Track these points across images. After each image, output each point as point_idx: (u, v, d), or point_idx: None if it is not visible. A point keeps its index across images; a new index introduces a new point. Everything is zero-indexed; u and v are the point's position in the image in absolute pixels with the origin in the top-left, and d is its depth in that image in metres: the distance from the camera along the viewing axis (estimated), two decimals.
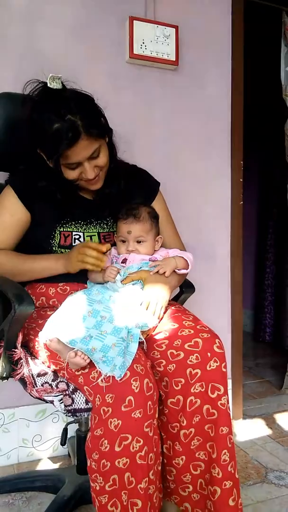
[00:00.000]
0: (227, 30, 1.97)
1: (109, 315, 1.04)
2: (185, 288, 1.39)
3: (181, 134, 1.90)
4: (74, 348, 0.97)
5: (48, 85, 1.13)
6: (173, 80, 1.87)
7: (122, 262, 1.20)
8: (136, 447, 0.91)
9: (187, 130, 1.91)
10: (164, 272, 1.17)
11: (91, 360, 0.98)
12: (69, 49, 1.69)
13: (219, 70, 1.96)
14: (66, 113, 1.09)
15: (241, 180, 2.02)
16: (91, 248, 1.10)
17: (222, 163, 1.99)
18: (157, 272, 1.17)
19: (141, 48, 1.75)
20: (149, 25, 1.76)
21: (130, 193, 1.29)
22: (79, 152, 1.12)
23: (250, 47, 2.25)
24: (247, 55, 2.05)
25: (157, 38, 1.77)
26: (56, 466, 1.63)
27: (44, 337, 1.04)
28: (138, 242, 1.21)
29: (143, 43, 1.75)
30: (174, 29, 1.80)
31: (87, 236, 1.26)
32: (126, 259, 1.20)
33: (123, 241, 1.22)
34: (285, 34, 2.26)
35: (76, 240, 1.24)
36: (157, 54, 1.78)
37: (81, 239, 1.25)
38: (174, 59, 1.81)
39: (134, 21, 1.74)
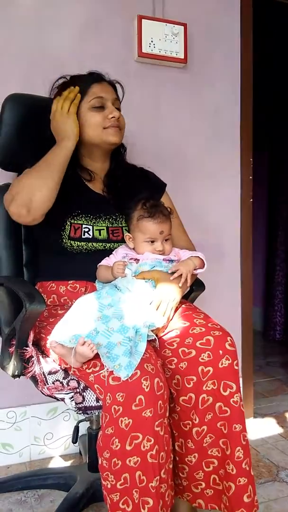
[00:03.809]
0: (236, 27, 1.96)
1: (118, 315, 1.04)
2: (195, 287, 1.38)
3: (190, 132, 1.90)
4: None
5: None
6: (182, 78, 1.87)
7: (133, 259, 1.20)
8: (147, 446, 0.91)
9: (196, 128, 1.91)
10: (185, 277, 1.16)
11: (101, 358, 0.98)
12: (78, 49, 1.69)
13: (228, 67, 1.95)
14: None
15: (250, 177, 2.00)
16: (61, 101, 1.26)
17: (232, 160, 1.98)
18: (175, 274, 1.16)
19: (149, 46, 1.75)
20: (157, 24, 1.76)
21: (136, 193, 1.29)
22: (106, 89, 1.30)
23: (259, 43, 2.23)
24: (256, 51, 2.03)
25: (166, 36, 1.77)
26: (67, 464, 1.64)
27: (49, 342, 1.05)
28: (166, 240, 1.20)
29: (152, 41, 1.75)
30: (182, 27, 1.79)
31: (96, 229, 1.26)
32: (137, 259, 1.19)
33: (151, 241, 1.19)
34: None
35: (86, 233, 1.24)
36: (165, 52, 1.78)
37: (90, 232, 1.25)
38: (182, 57, 1.81)
39: (143, 19, 1.74)
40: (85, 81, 1.29)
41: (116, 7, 1.75)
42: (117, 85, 1.38)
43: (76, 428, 1.36)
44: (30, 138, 1.36)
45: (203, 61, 1.90)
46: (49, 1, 1.66)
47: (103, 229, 1.27)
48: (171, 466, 1.00)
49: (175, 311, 1.16)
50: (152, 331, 1.08)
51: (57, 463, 1.64)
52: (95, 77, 1.30)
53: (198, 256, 1.23)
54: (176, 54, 1.79)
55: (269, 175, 3.40)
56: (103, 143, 1.29)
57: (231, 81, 1.96)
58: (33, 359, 1.10)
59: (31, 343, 1.10)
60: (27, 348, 1.10)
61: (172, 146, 1.86)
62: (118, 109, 1.31)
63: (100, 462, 0.96)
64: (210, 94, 1.92)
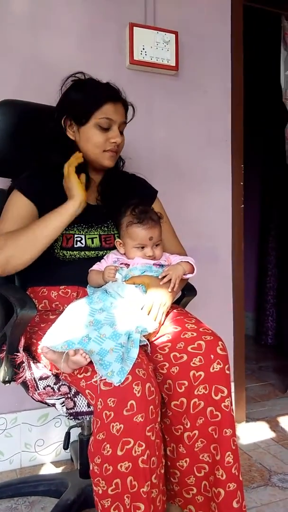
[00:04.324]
0: (227, 35, 1.99)
1: (109, 321, 1.04)
2: (186, 292, 1.39)
3: (182, 139, 1.91)
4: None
5: None
6: (173, 85, 1.88)
7: (123, 264, 1.20)
8: (139, 451, 0.91)
9: (187, 135, 1.92)
10: (174, 281, 1.16)
11: (92, 363, 0.98)
12: (70, 56, 1.70)
13: (219, 75, 1.98)
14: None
15: (241, 183, 2.02)
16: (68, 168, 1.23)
17: (223, 166, 2.00)
18: (165, 279, 1.16)
19: (141, 54, 1.77)
20: (149, 31, 1.78)
21: (128, 200, 1.30)
22: (118, 111, 1.26)
23: (250, 51, 2.26)
24: (246, 59, 2.06)
25: (157, 44, 1.79)
26: (59, 470, 1.63)
27: (40, 348, 1.04)
28: (156, 245, 1.21)
29: (143, 49, 1.77)
30: (174, 34, 1.81)
31: (88, 238, 1.27)
32: (128, 264, 1.20)
33: (141, 247, 1.19)
34: (285, 39, 2.27)
35: (78, 242, 1.25)
36: (157, 60, 1.79)
37: (83, 241, 1.26)
38: (174, 65, 1.83)
39: (134, 27, 1.75)
40: (101, 95, 1.24)
41: (108, 15, 1.77)
42: (129, 107, 1.34)
43: (68, 434, 1.36)
44: (22, 145, 1.37)
45: (195, 68, 1.92)
46: (43, 8, 1.67)
47: (96, 237, 1.28)
48: (162, 471, 1.00)
49: (166, 315, 1.17)
50: (144, 336, 1.08)
51: (48, 470, 1.63)
52: (112, 95, 1.25)
53: (188, 261, 1.24)
54: (168, 62, 1.81)
55: (262, 181, 3.42)
56: (96, 163, 1.29)
57: (223, 88, 1.98)
58: (24, 364, 1.10)
59: (22, 348, 1.10)
60: (18, 354, 1.09)
61: (164, 153, 1.88)
62: (122, 133, 1.29)
63: (91, 467, 0.95)
64: (201, 101, 1.94)
